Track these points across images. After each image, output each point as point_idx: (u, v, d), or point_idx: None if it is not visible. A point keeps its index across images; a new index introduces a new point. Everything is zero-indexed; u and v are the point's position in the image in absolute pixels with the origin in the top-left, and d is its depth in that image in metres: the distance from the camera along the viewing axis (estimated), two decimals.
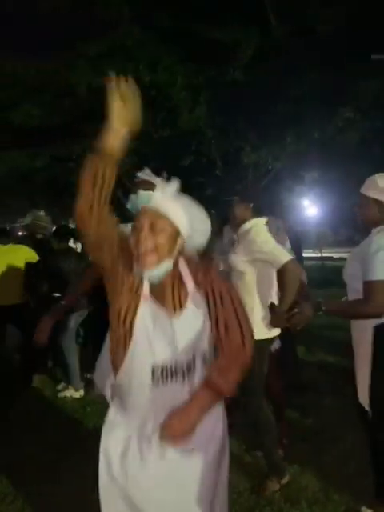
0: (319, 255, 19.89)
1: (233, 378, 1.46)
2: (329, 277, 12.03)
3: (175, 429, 1.41)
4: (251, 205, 2.93)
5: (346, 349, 2.49)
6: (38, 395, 4.28)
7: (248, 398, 2.70)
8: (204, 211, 1.58)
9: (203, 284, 1.51)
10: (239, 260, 2.76)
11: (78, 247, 6.10)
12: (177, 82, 9.61)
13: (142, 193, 2.48)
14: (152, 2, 9.70)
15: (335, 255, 20.39)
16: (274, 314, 2.66)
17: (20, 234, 11.38)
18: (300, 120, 9.45)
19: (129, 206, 1.65)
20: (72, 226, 5.68)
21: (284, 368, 3.86)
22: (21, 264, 4.66)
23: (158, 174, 2.07)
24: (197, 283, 1.51)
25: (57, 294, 4.27)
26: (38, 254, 4.78)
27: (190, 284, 1.50)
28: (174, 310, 1.48)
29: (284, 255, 2.70)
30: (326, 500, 2.59)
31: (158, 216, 1.49)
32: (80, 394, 4.24)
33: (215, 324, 1.51)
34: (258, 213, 2.94)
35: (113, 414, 1.69)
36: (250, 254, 2.73)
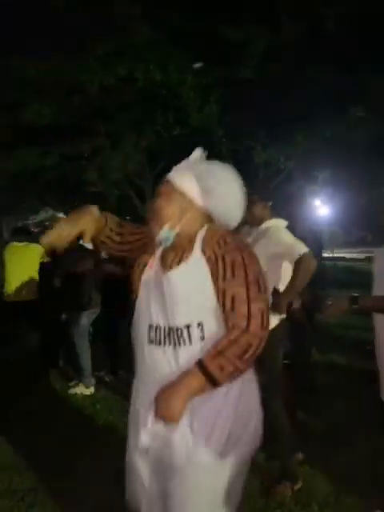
0: (331, 255, 19.81)
1: (229, 364, 1.31)
2: (340, 276, 11.97)
3: (161, 411, 1.36)
4: (270, 204, 2.93)
5: (359, 349, 2.45)
6: (48, 392, 4.30)
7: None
8: (236, 183, 1.51)
9: (215, 251, 1.40)
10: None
11: (89, 244, 6.10)
12: (187, 81, 9.61)
13: None
14: (163, 1, 9.70)
15: (347, 255, 20.29)
16: (276, 299, 2.64)
17: (33, 230, 11.45)
18: (311, 119, 9.40)
19: None
20: None
21: (297, 369, 3.84)
22: (36, 262, 4.80)
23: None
24: (207, 250, 1.42)
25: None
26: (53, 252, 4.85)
27: (197, 249, 1.43)
28: (171, 267, 1.44)
29: (302, 247, 2.69)
30: (337, 503, 2.55)
31: (167, 184, 1.51)
32: (90, 391, 4.26)
33: (222, 296, 1.37)
34: (276, 213, 2.94)
35: (134, 384, 1.62)
36: (267, 250, 2.68)
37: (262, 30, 9.18)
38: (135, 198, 12.63)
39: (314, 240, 4.16)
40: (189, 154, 1.63)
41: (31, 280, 4.73)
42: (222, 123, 10.05)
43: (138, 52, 9.46)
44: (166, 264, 1.47)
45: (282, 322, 2.78)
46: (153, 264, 1.52)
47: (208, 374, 1.31)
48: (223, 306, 1.38)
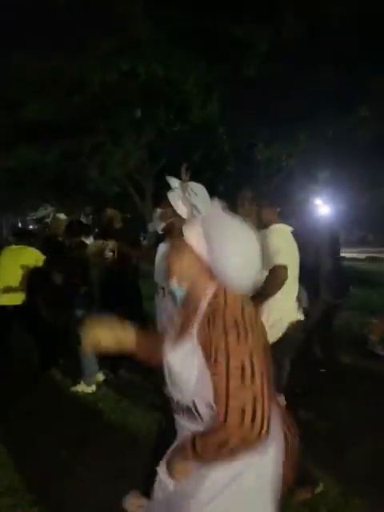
0: None
1: (208, 450, 1.28)
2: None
3: (168, 469, 1.42)
4: (278, 209, 2.96)
5: (362, 349, 2.43)
6: (48, 392, 4.27)
7: None
8: (243, 242, 1.34)
9: (205, 332, 1.31)
10: None
11: (90, 241, 6.10)
12: (189, 79, 9.59)
13: (158, 211, 2.57)
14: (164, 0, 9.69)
15: (347, 255, 20.21)
16: None
17: (31, 227, 11.45)
18: (313, 118, 9.39)
19: (149, 227, 1.67)
20: (83, 220, 5.70)
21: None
22: (30, 265, 4.68)
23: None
24: (200, 332, 1.32)
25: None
26: (54, 253, 4.83)
27: (195, 323, 1.35)
28: (174, 345, 1.40)
29: (279, 258, 2.75)
30: (345, 505, 2.52)
31: (181, 237, 1.42)
32: (92, 389, 4.23)
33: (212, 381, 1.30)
34: (283, 218, 2.98)
35: None
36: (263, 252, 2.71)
37: (264, 29, 9.17)
38: (135, 195, 12.63)
39: (331, 241, 4.14)
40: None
41: (22, 284, 4.60)
42: (224, 121, 10.04)
43: (139, 50, 9.45)
44: (172, 337, 1.44)
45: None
46: (171, 335, 1.47)
47: (195, 450, 1.31)
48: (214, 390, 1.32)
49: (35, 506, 2.57)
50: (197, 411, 1.36)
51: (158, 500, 1.51)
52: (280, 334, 2.81)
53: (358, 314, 6.33)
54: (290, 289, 2.92)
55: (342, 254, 4.92)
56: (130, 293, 4.51)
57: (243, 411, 1.22)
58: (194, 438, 1.31)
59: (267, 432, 1.23)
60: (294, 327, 2.87)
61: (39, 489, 2.70)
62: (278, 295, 2.80)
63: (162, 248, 2.63)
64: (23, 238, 5.02)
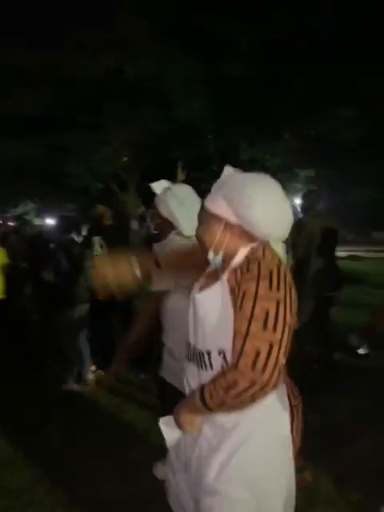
0: None
1: (216, 394, 1.28)
2: None
3: (175, 420, 1.43)
4: None
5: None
6: (48, 392, 4.20)
7: None
8: (267, 192, 1.36)
9: (236, 279, 1.34)
10: None
11: (79, 239, 6.03)
12: (172, 74, 9.56)
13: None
14: None
15: None
16: None
17: (10, 224, 11.21)
18: (297, 117, 9.47)
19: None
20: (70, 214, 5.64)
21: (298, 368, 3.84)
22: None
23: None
24: (230, 277, 1.36)
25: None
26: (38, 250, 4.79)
27: (225, 275, 1.37)
28: (202, 290, 1.43)
29: None
30: (341, 500, 2.55)
31: (203, 211, 1.46)
32: (84, 387, 4.20)
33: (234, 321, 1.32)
34: None
35: None
36: None
37: (252, 27, 9.20)
38: (119, 193, 12.54)
39: (326, 238, 4.17)
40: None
41: None
42: (208, 120, 10.04)
43: (126, 47, 9.39)
44: (203, 285, 1.47)
45: None
46: (200, 282, 1.51)
47: (202, 398, 1.31)
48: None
49: (30, 507, 2.54)
50: (210, 360, 1.38)
51: (178, 464, 1.52)
52: None
53: (341, 311, 6.42)
54: None
55: None
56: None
57: (257, 355, 1.23)
58: (202, 387, 1.33)
59: (276, 382, 1.24)
60: None
61: (35, 489, 2.67)
62: None
63: (157, 248, 2.59)
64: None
